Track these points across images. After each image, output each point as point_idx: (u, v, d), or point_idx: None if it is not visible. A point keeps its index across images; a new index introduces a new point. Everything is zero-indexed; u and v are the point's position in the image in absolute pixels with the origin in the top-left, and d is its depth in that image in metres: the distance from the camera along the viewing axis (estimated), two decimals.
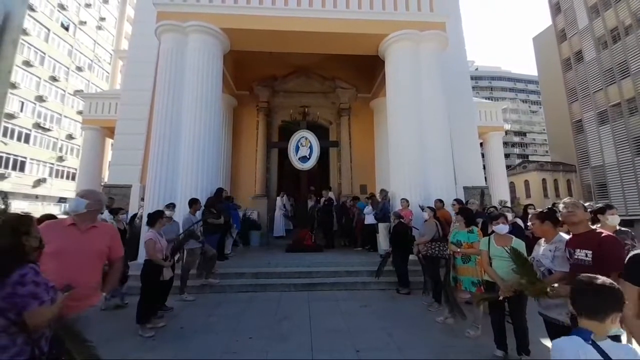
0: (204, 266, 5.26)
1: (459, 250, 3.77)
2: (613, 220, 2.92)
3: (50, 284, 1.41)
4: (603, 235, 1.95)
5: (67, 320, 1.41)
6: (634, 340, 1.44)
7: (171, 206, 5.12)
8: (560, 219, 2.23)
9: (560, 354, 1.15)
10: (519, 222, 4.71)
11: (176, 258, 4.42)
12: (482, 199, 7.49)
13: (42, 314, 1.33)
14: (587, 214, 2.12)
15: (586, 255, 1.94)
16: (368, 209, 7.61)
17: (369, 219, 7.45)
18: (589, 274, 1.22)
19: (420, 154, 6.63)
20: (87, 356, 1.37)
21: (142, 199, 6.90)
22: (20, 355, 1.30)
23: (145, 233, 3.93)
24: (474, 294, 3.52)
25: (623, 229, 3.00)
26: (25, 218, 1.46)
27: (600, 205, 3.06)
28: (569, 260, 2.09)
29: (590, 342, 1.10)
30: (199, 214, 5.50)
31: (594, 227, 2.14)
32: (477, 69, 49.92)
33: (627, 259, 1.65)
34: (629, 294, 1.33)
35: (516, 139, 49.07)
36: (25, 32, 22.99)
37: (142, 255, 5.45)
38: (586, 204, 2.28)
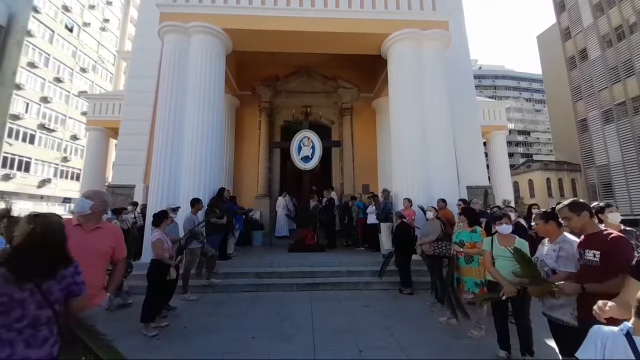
0: (205, 266, 5.29)
1: (461, 250, 3.75)
2: (614, 217, 2.91)
3: None
4: (612, 236, 1.92)
5: (80, 317, 1.46)
6: None
7: (177, 209, 5.18)
8: None
9: (593, 336, 1.22)
10: (522, 222, 4.68)
11: (179, 258, 4.45)
12: (485, 199, 7.44)
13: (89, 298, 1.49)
14: (584, 216, 2.04)
15: (594, 256, 1.92)
16: (371, 208, 7.61)
17: (371, 219, 7.46)
18: None
19: (423, 153, 6.61)
20: (109, 351, 1.40)
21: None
22: (56, 344, 1.34)
23: (152, 233, 3.98)
24: (476, 294, 3.50)
25: (628, 228, 2.98)
26: None
27: (601, 204, 3.04)
28: (579, 261, 2.07)
29: (624, 333, 1.13)
30: (200, 213, 5.52)
31: (602, 227, 2.12)
32: (480, 67, 49.69)
33: (636, 259, 1.63)
34: (638, 291, 1.35)
35: (520, 138, 48.77)
36: (29, 34, 23.15)
37: (146, 255, 5.49)
38: (592, 205, 2.25)
